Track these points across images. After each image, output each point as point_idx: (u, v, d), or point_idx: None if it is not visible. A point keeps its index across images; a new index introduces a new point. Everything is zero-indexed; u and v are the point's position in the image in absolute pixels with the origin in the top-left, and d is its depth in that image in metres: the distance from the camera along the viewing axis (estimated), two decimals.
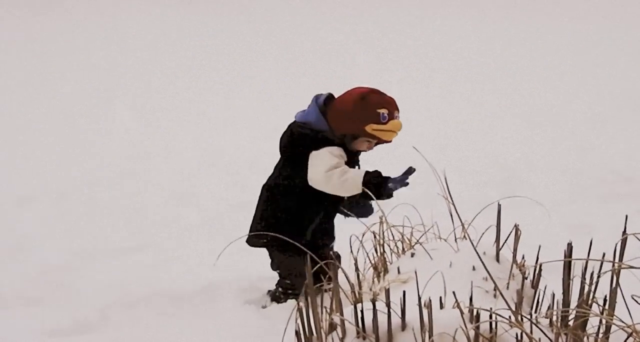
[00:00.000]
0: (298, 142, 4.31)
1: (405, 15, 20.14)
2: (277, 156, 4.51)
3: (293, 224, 4.35)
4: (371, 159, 4.69)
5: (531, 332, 2.77)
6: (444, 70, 14.49)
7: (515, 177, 7.48)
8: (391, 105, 4.25)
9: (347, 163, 4.29)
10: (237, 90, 13.32)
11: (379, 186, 4.12)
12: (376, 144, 4.37)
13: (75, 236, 6.17)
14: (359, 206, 4.41)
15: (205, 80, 13.84)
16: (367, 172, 4.18)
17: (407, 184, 4.17)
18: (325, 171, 4.18)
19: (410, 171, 4.17)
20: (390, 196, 4.14)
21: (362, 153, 4.45)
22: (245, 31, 18.93)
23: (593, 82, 13.11)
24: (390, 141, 4.33)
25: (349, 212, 4.36)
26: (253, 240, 4.47)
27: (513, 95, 12.27)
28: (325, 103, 4.33)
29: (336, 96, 4.38)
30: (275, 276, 4.69)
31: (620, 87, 12.58)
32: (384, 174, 4.17)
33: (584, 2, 21.22)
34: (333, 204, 4.39)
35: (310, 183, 4.25)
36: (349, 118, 4.23)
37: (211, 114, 11.60)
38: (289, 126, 4.41)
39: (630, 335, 2.84)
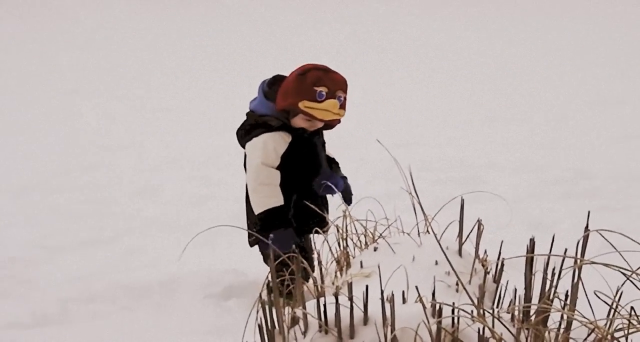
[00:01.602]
0: (244, 133, 4.23)
1: (405, 15, 20.15)
2: None
3: None
4: (336, 148, 4.61)
5: (493, 327, 2.77)
6: (418, 60, 14.52)
7: (478, 175, 7.50)
8: (335, 85, 4.10)
9: (300, 147, 4.18)
10: (237, 91, 13.27)
11: (265, 228, 4.03)
12: (324, 127, 4.25)
13: (36, 229, 6.12)
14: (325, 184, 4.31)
15: (205, 80, 13.74)
16: (269, 210, 4.08)
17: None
18: (256, 167, 4.12)
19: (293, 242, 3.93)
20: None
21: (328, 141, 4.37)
22: (245, 31, 18.87)
23: (556, 81, 13.18)
24: (327, 121, 4.16)
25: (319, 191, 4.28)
26: (249, 240, 4.34)
27: (473, 92, 12.32)
28: (272, 85, 4.22)
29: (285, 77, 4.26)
30: (232, 270, 4.67)
31: (579, 86, 12.67)
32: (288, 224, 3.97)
33: (584, 2, 21.32)
34: (302, 188, 4.24)
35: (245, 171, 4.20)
36: (285, 92, 4.12)
37: (211, 113, 11.53)
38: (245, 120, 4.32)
39: (592, 331, 2.85)
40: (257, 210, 4.11)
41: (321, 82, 4.08)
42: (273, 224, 4.00)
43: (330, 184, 4.22)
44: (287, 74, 4.22)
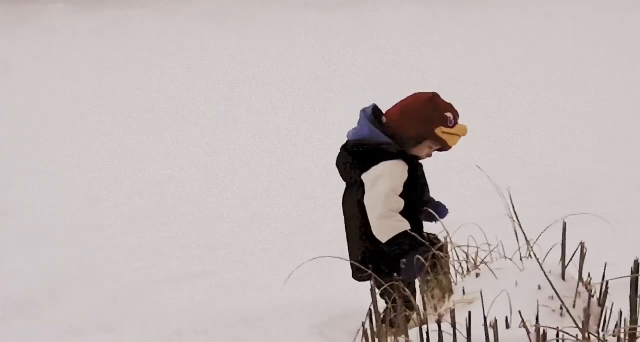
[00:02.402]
0: (358, 162, 4.20)
1: (405, 15, 19.95)
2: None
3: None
4: (433, 174, 4.62)
5: None
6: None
7: (582, 195, 7.39)
8: (454, 110, 4.21)
9: (412, 179, 4.19)
10: (237, 91, 13.31)
11: (398, 256, 4.00)
12: (436, 150, 4.31)
13: (146, 261, 6.23)
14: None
15: (306, 105, 13.81)
16: (402, 234, 4.08)
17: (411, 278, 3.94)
18: (387, 194, 4.09)
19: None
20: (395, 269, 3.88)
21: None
22: (246, 31, 18.91)
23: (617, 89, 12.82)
24: (451, 147, 4.25)
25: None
26: (357, 275, 4.33)
27: (580, 111, 12.10)
28: (375, 114, 4.24)
29: (380, 108, 4.31)
30: (337, 298, 4.71)
31: None
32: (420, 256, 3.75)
33: (584, 2, 20.83)
34: (412, 215, 4.21)
35: (365, 199, 4.16)
36: (420, 119, 4.15)
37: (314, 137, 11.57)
38: (342, 147, 4.31)
39: None
40: (388, 235, 4.09)
41: (448, 108, 4.20)
42: (405, 252, 3.97)
43: (433, 212, 4.21)
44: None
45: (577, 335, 2.78)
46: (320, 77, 14.01)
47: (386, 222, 4.11)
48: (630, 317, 2.97)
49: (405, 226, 4.10)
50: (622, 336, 2.92)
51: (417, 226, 4.21)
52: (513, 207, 3.24)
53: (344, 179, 4.35)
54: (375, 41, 17.47)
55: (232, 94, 13.17)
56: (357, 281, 4.33)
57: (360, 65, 14.90)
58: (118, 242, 6.82)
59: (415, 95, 4.28)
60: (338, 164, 4.33)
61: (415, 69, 14.17)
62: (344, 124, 4.73)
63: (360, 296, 4.56)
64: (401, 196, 4.16)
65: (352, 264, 4.32)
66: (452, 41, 17.20)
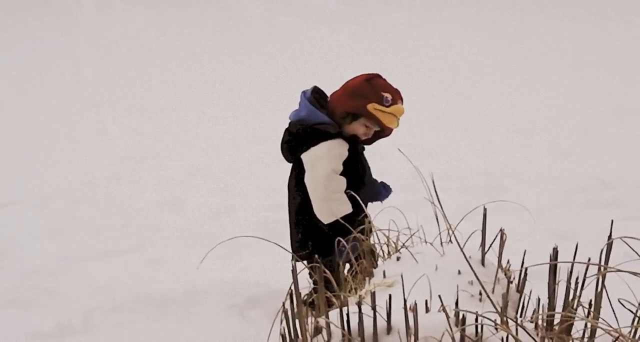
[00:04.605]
0: (298, 141, 4.24)
1: (406, 15, 20.08)
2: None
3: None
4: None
5: (516, 335, 2.77)
6: (440, 71, 14.50)
7: (501, 185, 7.48)
8: (396, 94, 4.24)
9: (352, 158, 4.22)
10: (237, 91, 13.31)
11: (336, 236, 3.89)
12: (375, 136, 4.32)
13: (60, 239, 6.14)
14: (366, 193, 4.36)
15: (228, 93, 13.75)
16: (342, 218, 4.07)
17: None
18: (328, 175, 4.13)
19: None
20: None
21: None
22: (246, 31, 18.87)
23: (577, 90, 13.13)
24: (388, 128, 4.27)
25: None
26: (298, 255, 4.30)
27: (495, 102, 12.28)
28: (315, 96, 4.29)
29: (323, 89, 4.36)
30: (254, 280, 4.67)
31: (604, 95, 12.61)
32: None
33: (585, 2, 21.20)
34: (350, 195, 4.21)
35: (306, 181, 4.20)
36: (352, 95, 4.20)
37: (211, 113, 11.57)
38: (286, 129, 4.35)
39: (616, 339, 2.84)
40: (330, 218, 4.14)
41: (387, 88, 4.23)
42: (344, 231, 3.91)
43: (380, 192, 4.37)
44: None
45: (495, 320, 2.79)
46: (319, 78, 13.95)
47: (329, 204, 4.16)
48: (548, 303, 2.99)
49: (347, 209, 4.15)
50: (539, 322, 2.94)
51: (358, 206, 4.19)
52: (436, 193, 3.24)
53: (286, 159, 4.39)
54: (375, 42, 17.50)
55: (232, 94, 13.08)
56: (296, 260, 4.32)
57: (360, 65, 14.88)
58: (32, 219, 6.71)
59: (358, 75, 4.32)
60: (281, 145, 4.36)
61: (415, 69, 14.23)
62: None
63: (280, 278, 4.56)
64: (342, 174, 4.19)
65: (291, 243, 4.37)
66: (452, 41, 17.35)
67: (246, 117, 11.36)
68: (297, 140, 4.25)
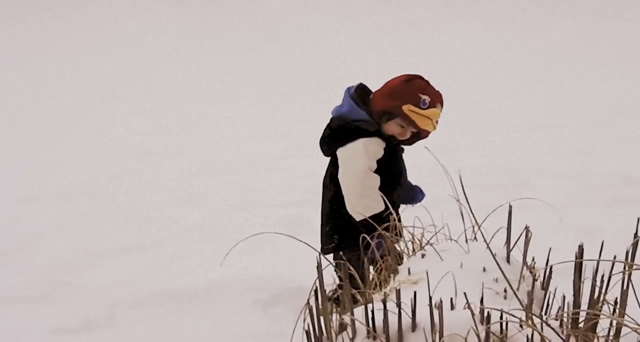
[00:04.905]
0: (336, 137, 4.25)
1: (406, 15, 20.07)
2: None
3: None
4: None
5: (542, 332, 2.76)
6: (450, 73, 14.48)
7: (525, 181, 7.46)
8: (436, 97, 4.22)
9: (389, 158, 4.23)
10: (237, 90, 13.33)
11: (366, 228, 3.96)
12: (413, 137, 4.30)
13: (81, 234, 6.17)
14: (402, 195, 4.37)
15: (205, 81, 13.83)
16: (373, 216, 4.07)
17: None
18: (363, 172, 4.14)
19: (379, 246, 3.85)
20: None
21: None
22: (245, 32, 18.91)
23: (595, 83, 13.09)
24: (424, 130, 4.23)
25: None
26: (323, 247, 4.36)
27: (516, 97, 12.26)
28: (359, 93, 4.29)
29: (367, 86, 4.37)
30: (278, 276, 4.66)
31: (622, 89, 12.56)
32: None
33: (584, 2, 21.13)
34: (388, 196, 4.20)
35: (340, 176, 4.21)
36: (390, 95, 4.19)
37: (211, 113, 11.62)
38: (327, 125, 4.35)
39: None
40: (362, 216, 4.12)
41: (426, 90, 4.20)
42: (374, 229, 3.88)
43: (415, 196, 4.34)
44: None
45: (520, 317, 2.78)
46: (320, 77, 13.99)
47: (363, 201, 4.16)
48: (573, 301, 2.98)
49: (380, 206, 4.14)
50: (564, 319, 2.93)
51: (393, 207, 4.21)
52: (463, 189, 3.23)
53: (324, 154, 4.39)
54: (375, 41, 17.52)
55: (232, 94, 13.12)
56: (323, 254, 4.32)
57: (360, 65, 14.93)
58: (53, 214, 6.74)
59: (400, 75, 4.32)
60: (320, 140, 4.37)
61: (415, 68, 14.23)
62: None
63: (304, 273, 4.55)
64: (378, 173, 4.20)
65: (321, 237, 4.38)
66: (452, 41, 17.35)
67: (246, 117, 11.39)
68: (335, 136, 4.26)
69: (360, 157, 4.16)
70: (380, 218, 4.03)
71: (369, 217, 4.02)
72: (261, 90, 13.38)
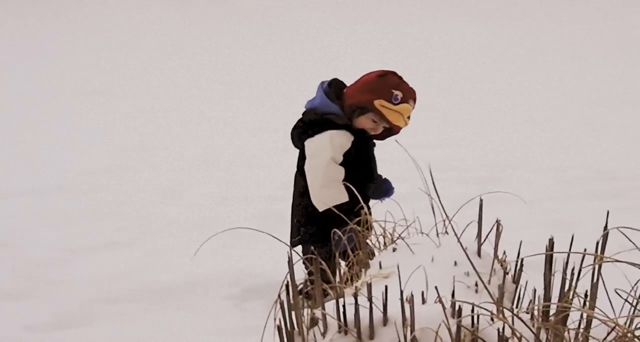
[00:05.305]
0: (305, 130, 4.32)
1: (405, 15, 20.11)
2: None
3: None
4: None
5: (512, 325, 2.77)
6: (442, 70, 14.52)
7: (498, 176, 7.49)
8: (409, 93, 4.27)
9: (359, 149, 4.27)
10: (237, 90, 13.33)
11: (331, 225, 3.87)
12: (385, 133, 4.34)
13: (59, 231, 6.15)
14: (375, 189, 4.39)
15: (205, 80, 13.80)
16: (337, 206, 4.11)
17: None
18: (326, 163, 4.18)
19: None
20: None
21: None
22: (245, 31, 18.91)
23: (577, 84, 13.15)
24: (395, 126, 4.29)
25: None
26: (292, 240, 4.40)
27: (515, 97, 12.29)
28: (333, 87, 4.36)
29: (343, 81, 4.42)
30: (251, 271, 4.67)
31: (605, 87, 12.63)
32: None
33: (584, 2, 21.21)
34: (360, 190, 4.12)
35: (305, 167, 4.25)
36: (363, 89, 4.26)
37: (211, 113, 11.60)
38: (300, 118, 4.41)
39: (612, 329, 2.84)
40: (325, 206, 4.18)
41: (399, 86, 4.26)
42: (342, 222, 3.88)
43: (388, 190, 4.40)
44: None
45: (491, 311, 2.79)
46: (320, 77, 13.96)
47: (325, 191, 4.21)
48: (544, 294, 3.00)
49: (343, 198, 4.18)
50: (535, 312, 2.94)
51: (356, 199, 4.21)
52: (433, 183, 3.24)
53: (295, 146, 4.45)
54: (374, 41, 17.52)
55: (232, 94, 13.10)
56: (292, 246, 4.33)
57: (360, 65, 14.90)
58: (31, 209, 6.72)
59: (374, 71, 4.39)
60: (291, 132, 4.44)
61: (415, 68, 14.26)
62: None
63: (276, 268, 4.56)
64: (350, 167, 4.24)
65: (291, 229, 4.42)
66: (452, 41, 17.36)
67: (246, 117, 11.39)
68: (305, 128, 4.32)
69: (325, 148, 4.21)
70: (351, 212, 4.04)
71: (337, 210, 4.03)
72: (261, 90, 13.38)
